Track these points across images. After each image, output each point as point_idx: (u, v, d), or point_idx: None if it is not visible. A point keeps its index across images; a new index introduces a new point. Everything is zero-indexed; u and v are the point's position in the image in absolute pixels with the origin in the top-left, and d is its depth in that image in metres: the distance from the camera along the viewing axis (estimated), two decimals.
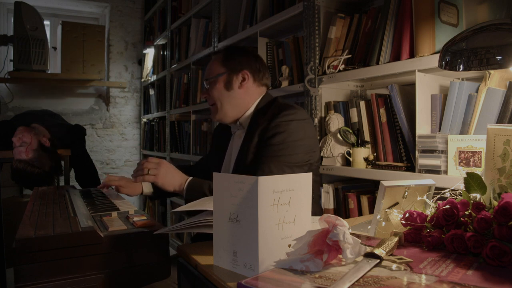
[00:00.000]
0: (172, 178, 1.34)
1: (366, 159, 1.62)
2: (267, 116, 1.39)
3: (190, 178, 1.36)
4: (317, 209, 1.50)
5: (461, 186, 0.87)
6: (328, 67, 1.77)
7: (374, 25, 1.62)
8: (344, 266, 0.72)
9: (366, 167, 1.62)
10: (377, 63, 1.55)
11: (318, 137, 1.82)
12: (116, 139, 4.33)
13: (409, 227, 0.87)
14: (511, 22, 0.88)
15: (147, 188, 1.57)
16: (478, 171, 1.10)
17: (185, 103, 3.28)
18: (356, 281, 0.64)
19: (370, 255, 0.73)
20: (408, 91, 1.50)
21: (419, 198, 0.95)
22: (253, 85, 1.48)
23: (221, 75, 1.46)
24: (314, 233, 0.72)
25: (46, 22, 3.88)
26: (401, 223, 0.89)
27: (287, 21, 2.06)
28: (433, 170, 1.30)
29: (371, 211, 1.61)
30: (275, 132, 1.33)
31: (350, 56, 1.71)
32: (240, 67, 1.47)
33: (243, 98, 1.47)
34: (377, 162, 1.58)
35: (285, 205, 0.76)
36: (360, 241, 0.73)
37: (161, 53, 3.92)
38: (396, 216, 0.93)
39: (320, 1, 1.83)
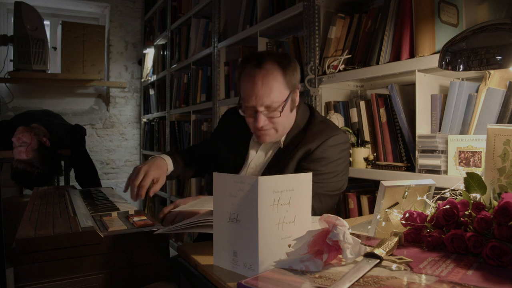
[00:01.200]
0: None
1: (366, 159, 1.62)
2: (310, 138, 1.29)
3: None
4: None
5: (461, 186, 0.87)
6: (328, 67, 1.77)
7: (374, 25, 1.62)
8: (344, 266, 0.72)
9: (366, 167, 1.62)
10: (377, 63, 1.55)
11: None
12: (116, 139, 4.33)
13: (409, 227, 0.87)
14: (511, 22, 0.88)
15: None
16: (478, 171, 1.10)
17: (185, 103, 3.28)
18: (356, 281, 0.64)
19: (370, 255, 0.73)
20: (408, 91, 1.50)
21: (419, 198, 0.95)
22: (298, 100, 1.34)
23: (287, 99, 1.25)
24: (314, 233, 0.72)
25: (46, 22, 3.88)
26: (401, 223, 0.89)
27: (287, 21, 2.06)
28: (433, 170, 1.30)
29: (371, 211, 1.61)
30: (319, 157, 1.26)
31: (350, 56, 1.71)
32: (297, 82, 1.29)
33: (294, 116, 1.34)
34: (377, 162, 1.58)
35: (285, 205, 0.76)
36: (360, 241, 0.73)
37: (161, 53, 3.92)
38: (396, 216, 0.93)
39: (320, 1, 1.83)
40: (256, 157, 1.39)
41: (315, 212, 1.17)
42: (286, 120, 1.29)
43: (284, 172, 1.28)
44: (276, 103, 1.22)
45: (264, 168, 1.35)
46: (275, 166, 1.32)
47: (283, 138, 1.34)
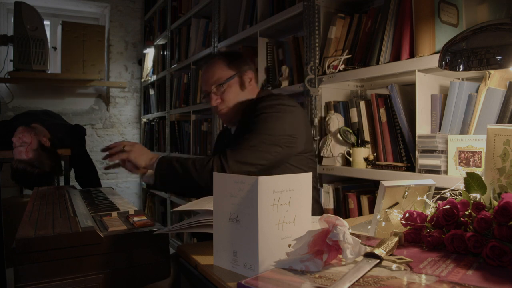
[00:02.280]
0: (145, 154, 1.39)
1: (366, 159, 1.62)
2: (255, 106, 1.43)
3: (162, 155, 1.41)
4: (314, 205, 1.50)
5: (461, 186, 0.87)
6: (328, 67, 1.77)
7: (374, 25, 1.62)
8: (344, 266, 0.72)
9: (366, 167, 1.62)
10: (377, 63, 1.55)
11: (318, 137, 1.82)
12: (116, 139, 4.33)
13: (409, 227, 0.87)
14: (511, 22, 0.88)
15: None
16: (478, 171, 1.10)
17: (185, 103, 3.28)
18: (356, 281, 0.64)
19: (370, 255, 0.73)
20: (408, 91, 1.50)
21: (419, 198, 0.95)
22: (255, 84, 1.55)
23: (233, 77, 1.48)
24: (314, 233, 0.72)
25: (46, 22, 3.88)
26: (401, 223, 0.89)
27: (287, 21, 2.06)
28: (433, 170, 1.30)
29: (371, 211, 1.61)
30: (255, 115, 1.37)
31: (350, 56, 1.71)
32: (245, 67, 1.51)
33: (249, 96, 1.52)
34: (377, 162, 1.58)
35: (285, 205, 0.76)
36: (360, 241, 0.73)
37: (161, 53, 3.92)
38: (396, 216, 0.93)
39: (320, 1, 1.83)
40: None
41: (229, 163, 1.28)
42: (236, 97, 1.48)
43: (235, 137, 1.43)
44: (220, 79, 1.47)
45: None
46: (234, 134, 1.50)
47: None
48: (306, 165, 1.45)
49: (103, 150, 1.41)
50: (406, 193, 0.96)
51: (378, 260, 0.72)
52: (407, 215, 0.88)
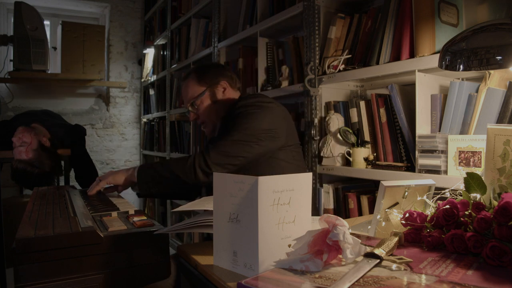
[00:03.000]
0: (120, 172, 1.48)
1: (366, 159, 1.62)
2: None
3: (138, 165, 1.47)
4: None
5: (461, 186, 0.87)
6: (328, 67, 1.77)
7: (374, 25, 1.62)
8: (344, 266, 0.72)
9: (366, 167, 1.62)
10: (377, 63, 1.55)
11: (318, 137, 1.82)
12: (116, 139, 4.33)
13: (409, 227, 0.87)
14: (511, 22, 0.88)
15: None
16: (478, 171, 1.10)
17: None
18: (356, 281, 0.64)
19: (370, 255, 0.73)
20: (408, 91, 1.50)
21: (419, 198, 0.95)
22: (232, 91, 1.60)
23: (203, 93, 1.55)
24: (314, 233, 0.72)
25: (46, 22, 3.88)
26: (401, 223, 0.89)
27: (287, 21, 2.06)
28: (433, 170, 1.30)
29: (371, 211, 1.61)
30: (233, 115, 1.43)
31: (350, 56, 1.71)
32: (216, 79, 1.57)
33: (227, 105, 1.56)
34: (377, 162, 1.58)
35: (285, 205, 0.76)
36: (360, 241, 0.73)
37: (161, 53, 3.92)
38: (396, 216, 0.93)
39: (320, 1, 1.83)
40: None
41: (212, 157, 1.33)
42: (211, 110, 1.55)
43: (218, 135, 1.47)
44: (193, 98, 1.55)
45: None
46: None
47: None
48: (292, 158, 1.48)
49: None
50: (406, 193, 0.96)
51: (378, 260, 0.72)
52: (407, 215, 0.88)
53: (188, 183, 1.35)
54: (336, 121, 1.73)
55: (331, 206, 1.80)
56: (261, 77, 2.26)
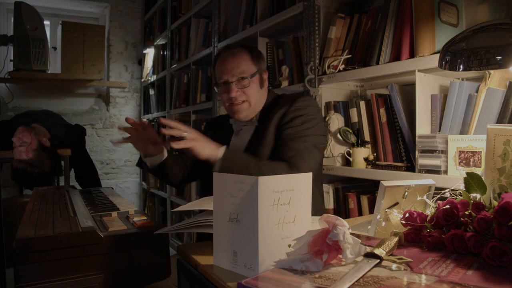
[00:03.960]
0: (209, 144, 1.29)
1: (366, 159, 1.62)
2: (281, 105, 1.44)
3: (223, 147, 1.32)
4: (319, 198, 1.54)
5: (461, 186, 0.87)
6: (328, 67, 1.77)
7: (374, 25, 1.62)
8: (344, 266, 0.72)
9: (366, 167, 1.62)
10: (377, 63, 1.55)
11: None
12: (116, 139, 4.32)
13: (409, 227, 0.87)
14: (511, 22, 0.88)
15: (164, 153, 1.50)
16: (478, 171, 1.10)
17: (185, 103, 3.28)
18: (356, 281, 0.64)
19: (370, 255, 0.73)
20: (408, 91, 1.50)
21: (419, 198, 0.95)
22: (267, 85, 1.56)
23: (255, 74, 1.45)
24: (314, 233, 0.72)
25: (46, 22, 3.88)
26: (401, 223, 0.89)
27: (287, 21, 2.06)
28: (433, 170, 1.30)
29: (371, 211, 1.61)
30: (294, 115, 1.38)
31: (350, 56, 1.71)
32: (264, 66, 1.53)
33: (265, 96, 1.53)
34: (377, 162, 1.58)
35: (285, 205, 0.76)
36: (360, 241, 0.73)
37: (161, 53, 3.92)
38: (396, 216, 0.93)
39: (320, 1, 1.83)
40: (237, 141, 1.52)
41: (302, 169, 1.30)
42: (257, 94, 1.45)
43: (263, 142, 1.40)
44: (245, 73, 1.42)
45: (245, 146, 1.47)
46: (255, 141, 1.44)
47: (256, 118, 1.48)
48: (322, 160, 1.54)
49: (162, 124, 1.27)
50: (406, 193, 0.96)
51: (378, 260, 0.72)
52: (407, 215, 0.88)
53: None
54: (336, 121, 1.73)
55: (331, 206, 1.80)
56: None
